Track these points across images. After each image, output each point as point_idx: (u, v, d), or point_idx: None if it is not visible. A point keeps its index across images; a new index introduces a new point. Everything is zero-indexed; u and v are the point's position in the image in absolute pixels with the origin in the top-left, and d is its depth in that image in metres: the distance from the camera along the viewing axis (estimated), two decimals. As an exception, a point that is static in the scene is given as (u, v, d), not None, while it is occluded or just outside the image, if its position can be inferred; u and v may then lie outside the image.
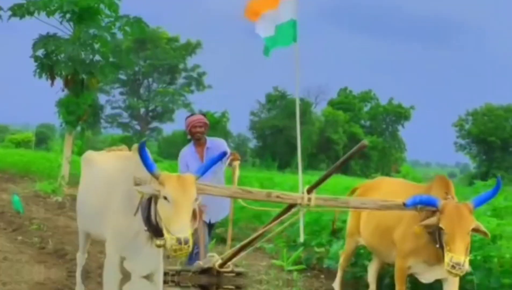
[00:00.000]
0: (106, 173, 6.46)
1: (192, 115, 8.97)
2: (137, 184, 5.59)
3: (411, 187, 7.02)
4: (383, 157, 72.09)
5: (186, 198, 5.29)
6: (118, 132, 71.53)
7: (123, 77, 67.99)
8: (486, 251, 7.08)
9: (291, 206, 6.92)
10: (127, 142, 66.32)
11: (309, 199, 6.37)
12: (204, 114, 8.92)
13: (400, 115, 74.31)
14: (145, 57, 68.18)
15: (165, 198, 5.28)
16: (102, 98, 66.51)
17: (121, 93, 70.99)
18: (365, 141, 6.80)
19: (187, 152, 8.50)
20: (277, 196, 6.41)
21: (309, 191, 6.47)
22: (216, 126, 65.10)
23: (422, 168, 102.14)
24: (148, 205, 5.55)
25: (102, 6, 19.36)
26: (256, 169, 54.13)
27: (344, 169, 69.32)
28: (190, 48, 69.47)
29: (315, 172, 57.73)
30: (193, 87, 71.26)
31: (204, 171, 5.71)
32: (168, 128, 73.43)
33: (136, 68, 67.98)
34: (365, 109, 77.29)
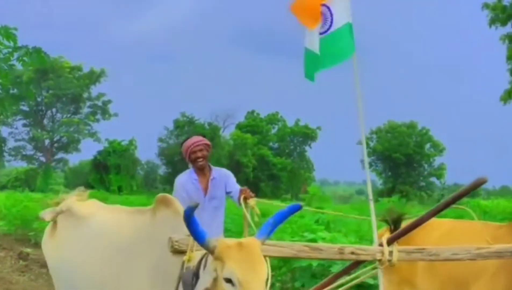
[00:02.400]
0: (115, 234, 4.93)
1: (188, 138, 6.97)
2: (176, 251, 4.16)
3: (480, 227, 5.85)
4: (292, 178, 72.91)
5: (257, 279, 3.67)
6: (22, 164, 69.79)
7: (25, 108, 66.51)
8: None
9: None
10: (32, 174, 64.79)
11: (391, 253, 5.03)
12: (204, 135, 7.10)
13: (307, 135, 75.51)
14: (47, 87, 66.78)
15: (228, 280, 3.63)
16: (4, 131, 64.92)
17: (24, 125, 69.25)
18: (485, 177, 4.94)
19: (187, 179, 6.82)
20: (352, 252, 5.04)
21: (390, 242, 5.10)
22: (124, 154, 64.38)
23: (330, 187, 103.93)
24: (193, 279, 4.02)
25: (-1, 37, 18.83)
26: (167, 196, 53.59)
27: (255, 191, 69.81)
28: (94, 77, 68.61)
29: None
30: (98, 116, 70.30)
31: (270, 231, 3.99)
32: (74, 159, 72.29)
33: (39, 99, 66.64)
34: (273, 131, 78.13)
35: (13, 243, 16.88)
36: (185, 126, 69.71)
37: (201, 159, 6.73)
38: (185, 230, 3.83)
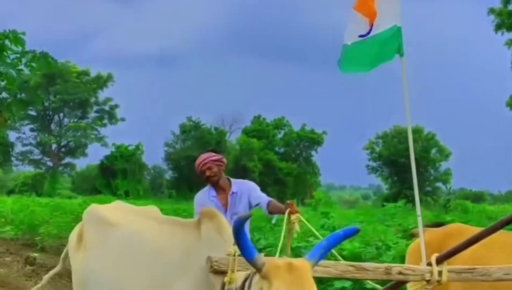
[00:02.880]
0: (151, 247, 4.58)
1: (200, 154, 6.54)
2: (216, 271, 3.98)
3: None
4: (298, 183, 72.79)
5: None
6: (29, 169, 69.98)
7: (33, 113, 66.64)
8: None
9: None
10: (39, 179, 64.94)
11: (440, 273, 4.71)
12: (214, 151, 6.63)
13: (313, 140, 75.34)
14: (55, 92, 67.00)
15: None
16: (12, 136, 64.97)
17: (32, 130, 69.42)
18: None
19: (205, 197, 6.34)
20: (400, 272, 4.71)
21: (440, 261, 4.76)
22: (131, 158, 64.48)
23: (336, 191, 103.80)
24: None
25: (7, 42, 18.95)
26: (173, 200, 53.73)
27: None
28: (101, 81, 68.76)
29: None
30: (105, 121, 70.41)
31: (323, 255, 3.66)
32: (81, 163, 72.34)
33: (46, 104, 66.78)
34: (279, 136, 77.99)
35: (20, 248, 16.96)
36: (192, 131, 69.74)
37: (212, 176, 6.26)
38: (228, 247, 3.95)
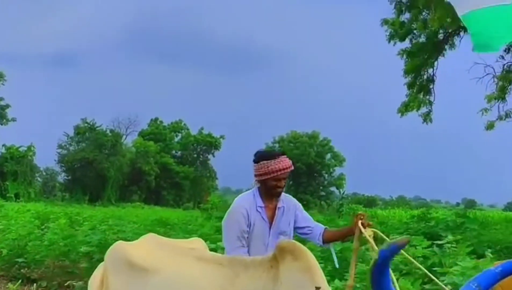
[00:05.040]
0: None
1: (269, 154, 5.18)
2: None
3: None
4: (195, 187, 72.76)
5: None
6: None
7: None
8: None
9: None
10: None
11: None
12: (284, 153, 5.22)
13: (210, 144, 75.51)
14: None
15: None
16: None
17: None
18: None
19: (251, 205, 5.06)
20: None
21: None
22: (22, 160, 62.48)
23: (233, 195, 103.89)
24: None
25: None
26: (66, 203, 52.43)
27: (156, 199, 69.63)
28: (-9, 80, 66.33)
29: (127, 205, 57.31)
30: (-5, 121, 67.93)
31: None
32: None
33: None
34: (176, 139, 77.78)
35: None
36: (86, 133, 68.38)
37: (283, 187, 5.11)
38: None
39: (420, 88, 25.46)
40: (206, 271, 3.60)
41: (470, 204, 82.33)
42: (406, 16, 25.12)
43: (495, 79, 24.50)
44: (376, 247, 3.94)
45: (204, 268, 3.63)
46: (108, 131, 69.10)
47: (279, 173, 4.96)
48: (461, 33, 25.72)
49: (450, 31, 25.23)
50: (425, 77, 25.71)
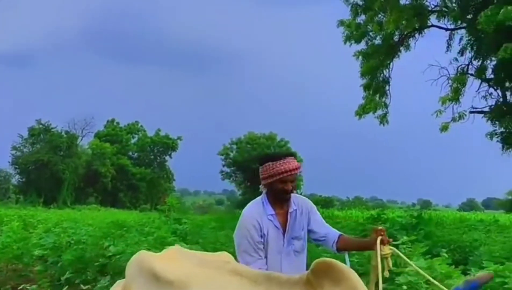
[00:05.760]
0: None
1: (274, 156, 4.74)
2: None
3: None
4: (152, 188, 72.39)
5: None
6: None
7: None
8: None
9: None
10: None
11: None
12: (294, 154, 4.82)
13: (167, 145, 75.21)
14: None
15: None
16: None
17: None
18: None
19: (261, 214, 4.63)
20: None
21: None
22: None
23: (191, 197, 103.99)
24: None
25: None
26: (20, 206, 51.61)
27: (113, 201, 69.05)
28: None
29: (83, 207, 56.72)
30: None
31: None
32: None
33: None
34: (133, 140, 77.28)
35: None
36: (41, 134, 67.43)
37: (291, 191, 4.67)
38: None
39: (376, 89, 25.68)
40: (236, 287, 3.25)
41: (426, 204, 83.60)
42: (362, 18, 25.34)
43: (449, 81, 24.85)
44: (391, 267, 4.00)
45: (232, 284, 3.27)
46: (63, 133, 68.30)
47: (285, 174, 4.58)
48: (416, 35, 26.08)
49: (405, 33, 25.53)
50: (380, 79, 25.96)
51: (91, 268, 9.48)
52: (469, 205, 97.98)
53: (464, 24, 24.74)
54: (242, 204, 50.07)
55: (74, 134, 69.28)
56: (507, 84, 24.38)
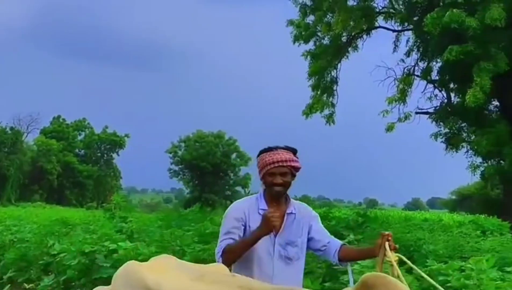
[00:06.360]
0: None
1: (269, 150, 4.35)
2: None
3: None
4: (98, 186, 71.64)
5: None
6: None
7: None
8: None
9: None
10: None
11: None
12: (292, 149, 4.39)
13: (115, 143, 74.49)
14: None
15: None
16: None
17: None
18: None
19: (250, 208, 4.27)
20: None
21: None
22: None
23: (138, 195, 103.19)
24: None
25: None
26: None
27: (59, 199, 68.07)
28: None
29: (28, 204, 55.71)
30: None
31: None
32: None
33: None
34: (79, 137, 76.33)
35: None
36: (-16, 130, 66.11)
37: (282, 185, 4.25)
38: None
39: (323, 90, 25.89)
40: None
41: (372, 203, 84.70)
42: (311, 18, 25.51)
43: (396, 82, 25.24)
44: (401, 275, 3.55)
45: None
46: (8, 129, 67.01)
47: (271, 166, 4.21)
48: (364, 36, 26.38)
49: (353, 34, 25.81)
50: (328, 79, 26.17)
51: (34, 267, 9.34)
52: (414, 205, 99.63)
53: (411, 26, 25.15)
54: (189, 202, 49.87)
55: (19, 130, 68.06)
56: (451, 85, 24.88)
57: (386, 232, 3.85)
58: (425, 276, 3.70)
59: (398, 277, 3.44)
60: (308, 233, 4.33)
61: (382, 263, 3.69)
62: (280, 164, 4.19)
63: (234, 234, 4.06)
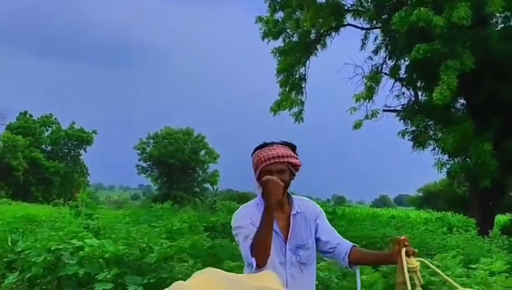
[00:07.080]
0: None
1: (263, 145, 3.93)
2: None
3: None
4: (65, 182, 71.00)
5: None
6: None
7: None
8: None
9: None
10: None
11: None
12: (290, 145, 3.98)
13: (82, 139, 73.89)
14: None
15: None
16: None
17: None
18: None
19: (254, 214, 3.83)
20: None
21: None
22: None
23: (106, 192, 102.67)
24: None
25: None
26: None
27: (25, 195, 67.29)
28: None
29: (-8, 201, 55.03)
30: None
31: None
32: None
33: None
34: (46, 133, 75.52)
35: None
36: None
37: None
38: None
39: (292, 87, 25.94)
40: None
41: (340, 200, 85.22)
42: (280, 15, 25.54)
43: (364, 80, 25.37)
44: (422, 283, 3.43)
45: None
46: (-28, 125, 66.14)
47: (267, 162, 3.80)
48: (332, 34, 26.49)
49: (321, 31, 25.91)
50: (297, 76, 26.22)
51: (-1, 264, 9.23)
52: (382, 202, 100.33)
53: (379, 24, 25.33)
54: (157, 199, 49.58)
55: (-16, 126, 67.24)
56: (419, 84, 25.11)
57: (402, 237, 3.55)
58: (450, 280, 3.60)
59: (421, 286, 3.37)
60: (315, 233, 3.98)
61: (405, 271, 3.40)
62: (277, 160, 3.81)
63: (253, 233, 3.69)
